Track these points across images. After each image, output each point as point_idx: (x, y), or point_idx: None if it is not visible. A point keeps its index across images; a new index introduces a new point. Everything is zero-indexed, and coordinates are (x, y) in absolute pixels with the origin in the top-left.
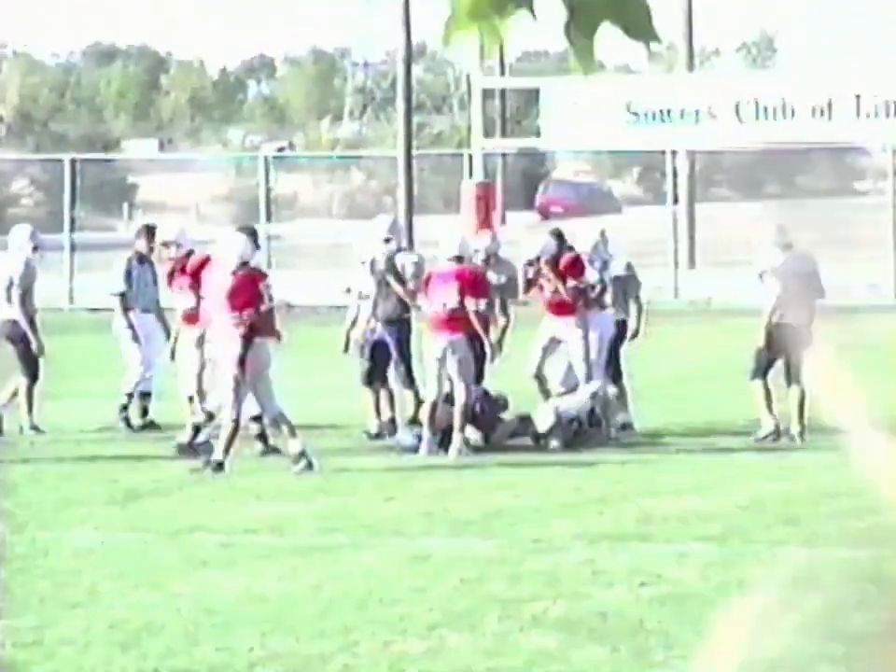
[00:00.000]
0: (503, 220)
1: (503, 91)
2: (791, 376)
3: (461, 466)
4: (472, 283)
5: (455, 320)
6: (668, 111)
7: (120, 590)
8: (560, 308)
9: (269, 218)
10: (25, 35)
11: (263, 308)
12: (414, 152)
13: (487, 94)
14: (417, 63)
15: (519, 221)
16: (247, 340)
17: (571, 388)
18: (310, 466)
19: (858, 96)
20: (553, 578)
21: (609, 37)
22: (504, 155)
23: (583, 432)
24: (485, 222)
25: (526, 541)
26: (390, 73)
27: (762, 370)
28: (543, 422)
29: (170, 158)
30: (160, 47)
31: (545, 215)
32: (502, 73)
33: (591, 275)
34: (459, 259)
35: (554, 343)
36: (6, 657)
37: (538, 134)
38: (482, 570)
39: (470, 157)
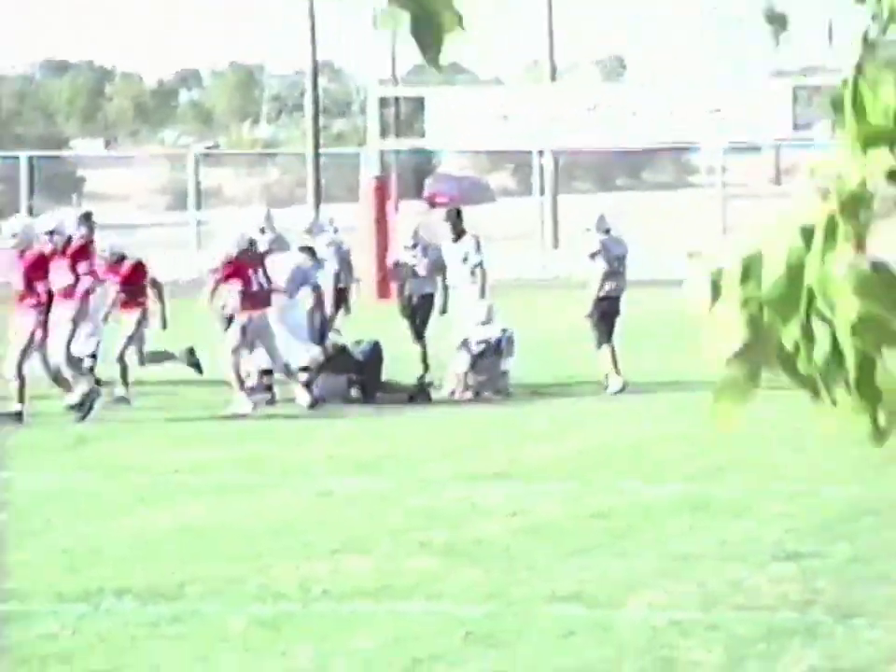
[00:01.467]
0: (396, 209)
1: (396, 99)
2: (605, 338)
3: (358, 416)
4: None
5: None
6: (535, 116)
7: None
8: None
9: (198, 207)
10: None
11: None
12: (321, 150)
13: (383, 102)
14: (323, 74)
15: (410, 210)
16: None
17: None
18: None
19: (692, 104)
20: (436, 511)
21: (486, 54)
22: (397, 153)
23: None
24: (381, 210)
25: (413, 481)
26: (300, 83)
27: (605, 335)
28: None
29: (114, 155)
30: (105, 62)
31: (432, 204)
32: (395, 83)
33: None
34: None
35: None
36: None
37: (424, 136)
38: (376, 505)
39: (368, 154)
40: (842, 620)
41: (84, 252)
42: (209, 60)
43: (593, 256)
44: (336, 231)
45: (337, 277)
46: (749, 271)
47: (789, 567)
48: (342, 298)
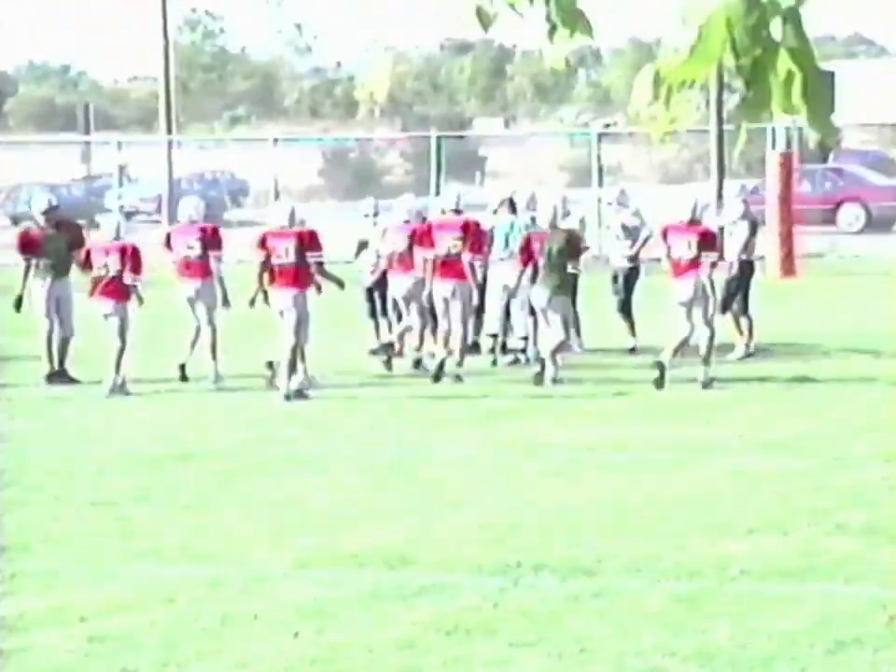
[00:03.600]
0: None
1: None
2: None
3: (767, 396)
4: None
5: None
6: None
7: (487, 495)
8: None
9: (600, 184)
10: (393, 31)
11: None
12: (724, 126)
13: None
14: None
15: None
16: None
17: None
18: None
19: None
20: (855, 491)
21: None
22: (800, 129)
23: None
24: (786, 187)
25: (829, 460)
26: None
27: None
28: None
29: (513, 134)
30: (505, 40)
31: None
32: None
33: None
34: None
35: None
36: (398, 549)
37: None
38: (791, 484)
39: (774, 130)
40: None
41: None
42: (607, 38)
43: None
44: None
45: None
46: None
47: None
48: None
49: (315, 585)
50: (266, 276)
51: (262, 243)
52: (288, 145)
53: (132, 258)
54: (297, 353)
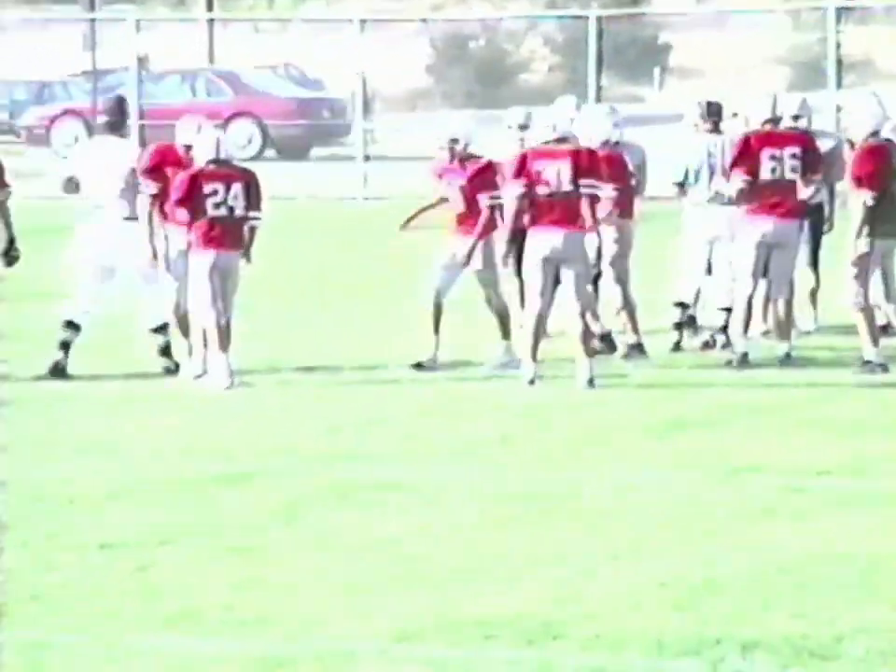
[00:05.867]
0: None
1: None
2: None
3: None
4: None
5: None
6: None
7: (670, 538)
8: None
9: (838, 85)
10: None
11: None
12: None
13: None
14: None
15: None
16: None
17: None
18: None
19: None
20: None
21: None
22: None
23: None
24: None
25: None
26: None
27: None
28: None
29: (708, 12)
30: None
31: None
32: None
33: None
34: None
35: None
36: (541, 616)
37: None
38: None
39: None
40: None
41: None
42: None
43: None
44: None
45: None
46: None
47: None
48: None
49: (423, 667)
50: None
51: None
52: (381, 28)
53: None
54: None
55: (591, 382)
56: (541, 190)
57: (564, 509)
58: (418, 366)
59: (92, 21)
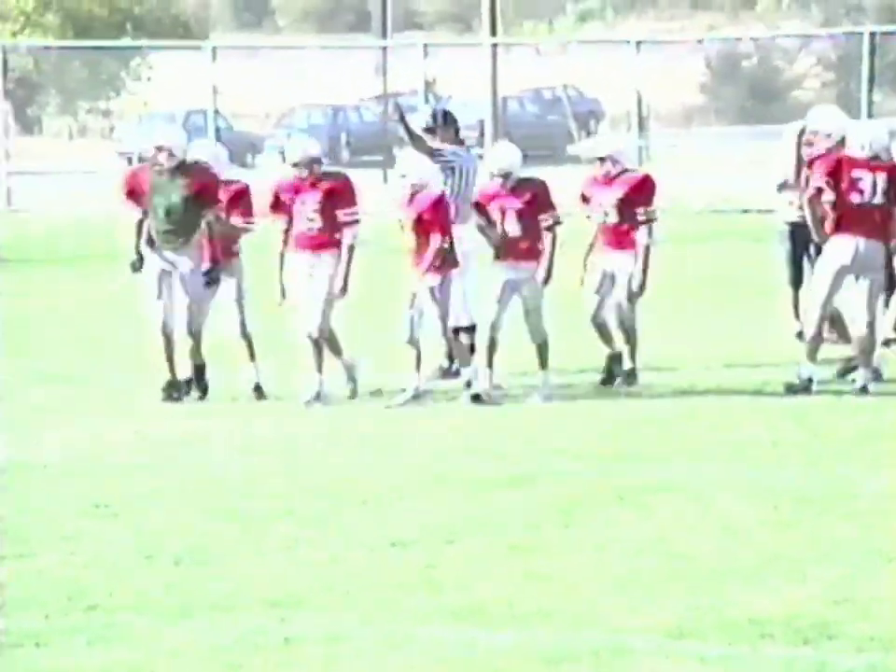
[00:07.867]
0: None
1: None
2: None
3: None
4: None
5: None
6: None
7: None
8: None
9: None
10: None
11: None
12: None
13: None
14: None
15: None
16: None
17: None
18: None
19: None
20: None
21: None
22: None
23: None
24: None
25: None
26: None
27: None
28: None
29: None
30: None
31: None
32: None
33: None
34: None
35: None
36: (817, 614)
37: None
38: None
39: None
40: None
41: None
42: None
43: None
44: None
45: None
46: None
47: None
48: None
49: (698, 664)
50: None
51: None
52: (656, 49)
53: None
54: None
55: (864, 389)
56: (853, 199)
57: (838, 509)
58: (476, 398)
59: (384, 48)
